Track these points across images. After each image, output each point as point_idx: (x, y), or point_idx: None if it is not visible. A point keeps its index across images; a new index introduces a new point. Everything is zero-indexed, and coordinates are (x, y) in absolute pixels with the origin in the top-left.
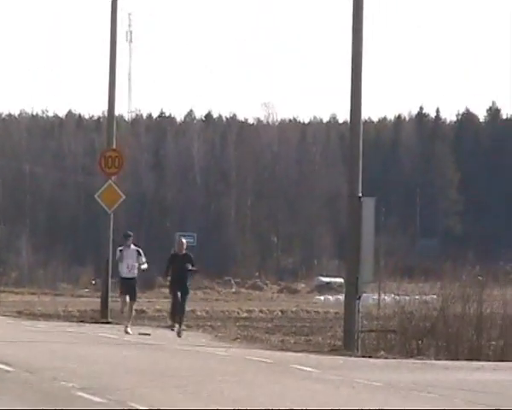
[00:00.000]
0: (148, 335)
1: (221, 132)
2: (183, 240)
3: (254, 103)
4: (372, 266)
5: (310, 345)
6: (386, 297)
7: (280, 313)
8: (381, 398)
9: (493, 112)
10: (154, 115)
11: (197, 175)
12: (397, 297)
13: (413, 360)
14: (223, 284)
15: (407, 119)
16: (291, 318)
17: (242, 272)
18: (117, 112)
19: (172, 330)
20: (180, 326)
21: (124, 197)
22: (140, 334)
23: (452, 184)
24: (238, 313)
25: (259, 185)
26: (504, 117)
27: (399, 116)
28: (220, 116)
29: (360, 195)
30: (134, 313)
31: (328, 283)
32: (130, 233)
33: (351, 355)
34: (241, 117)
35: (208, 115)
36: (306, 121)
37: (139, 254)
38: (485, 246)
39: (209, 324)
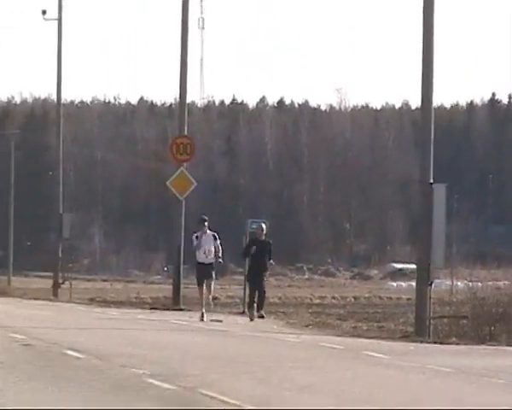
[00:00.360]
0: (220, 321)
1: (293, 119)
2: (263, 225)
3: (327, 89)
4: (443, 252)
5: (382, 331)
6: (458, 283)
7: (352, 300)
8: (451, 384)
9: None
10: (227, 102)
11: (269, 161)
12: (469, 283)
13: (484, 346)
14: (295, 270)
15: (479, 105)
16: (363, 304)
17: (315, 258)
18: (189, 99)
19: (252, 320)
20: (261, 310)
21: (195, 184)
22: (212, 320)
23: None
24: (311, 299)
25: (332, 172)
26: None
27: (472, 102)
28: (292, 102)
29: (431, 181)
30: (211, 299)
31: (400, 269)
32: (206, 218)
33: (422, 341)
34: (313, 103)
35: (281, 102)
36: (379, 107)
37: (215, 238)
38: None
39: (281, 310)
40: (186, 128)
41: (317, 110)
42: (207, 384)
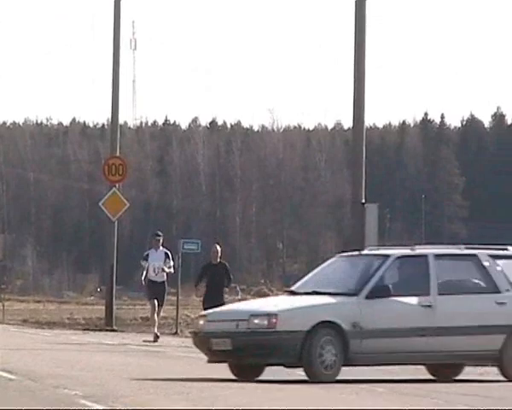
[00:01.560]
0: (154, 342)
1: (226, 139)
2: (218, 247)
3: (259, 110)
4: None
5: None
6: None
7: None
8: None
9: (498, 117)
10: (159, 122)
11: (202, 182)
12: None
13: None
14: (228, 291)
15: (412, 124)
16: None
17: (248, 278)
18: (121, 119)
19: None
20: None
21: (128, 205)
22: (144, 341)
23: (457, 190)
24: None
25: (264, 192)
26: (510, 122)
27: (404, 122)
28: (225, 123)
29: (363, 201)
30: (160, 315)
31: None
32: (160, 233)
33: None
34: (245, 124)
35: (213, 122)
36: (311, 128)
37: (167, 256)
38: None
39: None
40: (118, 149)
41: (249, 130)
42: (139, 405)
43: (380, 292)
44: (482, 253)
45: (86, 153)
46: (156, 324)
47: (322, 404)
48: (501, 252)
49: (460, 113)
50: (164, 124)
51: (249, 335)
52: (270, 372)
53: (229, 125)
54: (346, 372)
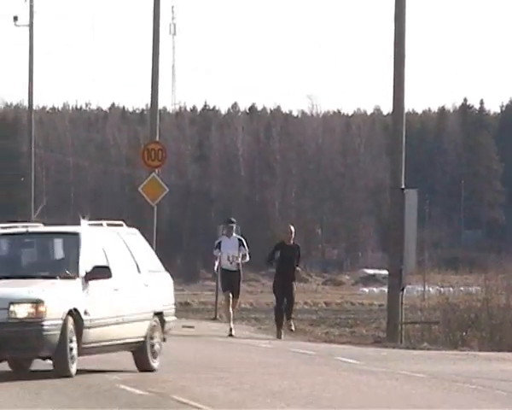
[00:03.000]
0: (192, 327)
1: (265, 124)
2: (292, 228)
3: (298, 95)
4: (415, 257)
5: (354, 337)
6: (430, 289)
7: (324, 305)
8: (424, 389)
9: None
10: (199, 108)
11: (241, 167)
12: (441, 289)
13: (456, 352)
14: (267, 275)
15: (451, 110)
16: (335, 310)
17: None
18: (161, 105)
19: (280, 338)
20: (290, 319)
21: (167, 190)
22: (183, 326)
23: (497, 175)
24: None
25: (304, 177)
26: None
27: (443, 107)
28: (264, 108)
29: (403, 186)
30: (236, 308)
31: (372, 275)
32: (233, 220)
33: (394, 347)
34: (285, 109)
35: (252, 107)
36: (350, 113)
37: (241, 243)
38: None
39: (253, 316)
40: (158, 134)
41: (288, 116)
42: (180, 390)
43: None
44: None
45: (125, 138)
46: (231, 317)
47: (362, 390)
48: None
49: (500, 98)
50: (203, 109)
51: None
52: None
53: (268, 111)
54: (387, 357)
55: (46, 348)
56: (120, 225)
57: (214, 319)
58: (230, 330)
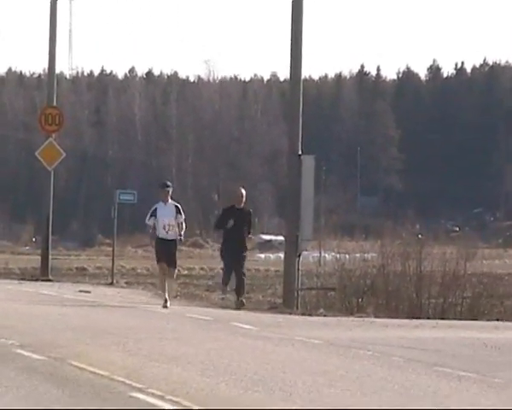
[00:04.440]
0: (89, 292)
1: (162, 90)
2: (243, 190)
3: (195, 61)
4: (312, 224)
5: (250, 303)
6: (326, 255)
7: (220, 271)
8: (320, 355)
9: (434, 70)
10: (96, 73)
11: (138, 132)
12: (337, 255)
13: (352, 318)
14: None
15: (348, 77)
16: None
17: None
18: (58, 69)
19: (222, 298)
20: (241, 297)
21: (64, 155)
22: (80, 291)
23: (393, 142)
24: (179, 270)
25: (200, 143)
26: (445, 75)
27: (340, 74)
28: (161, 73)
29: (300, 153)
30: (176, 285)
31: (269, 241)
32: (169, 183)
33: (290, 313)
34: (182, 74)
35: (149, 73)
36: (247, 79)
37: (178, 211)
38: (426, 204)
39: (149, 281)
40: (55, 99)
41: (185, 81)
42: (77, 355)
43: None
44: None
45: (22, 102)
46: (166, 289)
47: (258, 356)
48: None
49: (396, 65)
50: (100, 74)
51: None
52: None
53: (165, 76)
54: (283, 323)
55: None
56: None
57: (111, 284)
58: (165, 301)
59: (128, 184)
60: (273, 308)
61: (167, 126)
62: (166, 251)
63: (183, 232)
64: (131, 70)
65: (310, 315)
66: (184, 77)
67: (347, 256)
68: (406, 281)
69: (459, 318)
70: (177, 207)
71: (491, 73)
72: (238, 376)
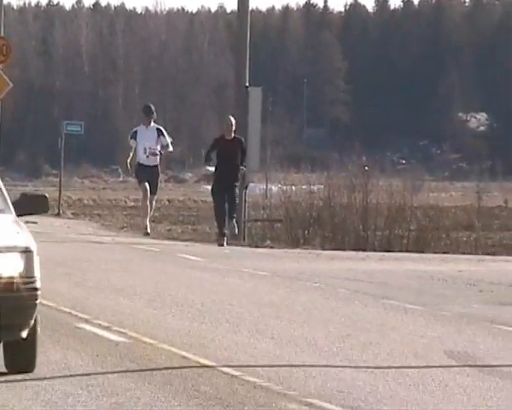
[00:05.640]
0: (35, 223)
1: (109, 21)
2: (233, 120)
3: None
4: (258, 155)
5: (197, 234)
6: (273, 187)
7: (167, 202)
8: (266, 287)
9: (381, 3)
10: (43, 3)
11: (85, 63)
12: (283, 187)
13: (299, 250)
14: (110, 172)
15: (295, 8)
16: (178, 207)
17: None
18: (5, 0)
19: (221, 245)
20: (232, 220)
21: (11, 85)
22: (26, 222)
23: (339, 74)
24: (125, 201)
25: (147, 74)
26: (392, 8)
27: (287, 6)
28: (109, 5)
29: (247, 84)
30: (153, 207)
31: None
32: (152, 106)
33: (237, 245)
34: (129, 6)
35: (96, 4)
36: (194, 11)
37: (161, 133)
38: (372, 136)
39: (96, 212)
40: (2, 29)
41: (132, 12)
42: None
43: None
44: None
45: None
46: (148, 216)
47: (206, 287)
48: None
49: None
50: (47, 5)
51: None
52: None
53: (112, 7)
54: (230, 255)
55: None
56: None
57: (57, 214)
58: (146, 227)
59: (75, 115)
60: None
61: (114, 57)
62: (148, 176)
63: (169, 149)
64: (78, 1)
65: (257, 247)
66: (131, 8)
67: (294, 188)
68: (352, 213)
69: (405, 250)
70: (159, 129)
71: (438, 6)
72: (185, 307)
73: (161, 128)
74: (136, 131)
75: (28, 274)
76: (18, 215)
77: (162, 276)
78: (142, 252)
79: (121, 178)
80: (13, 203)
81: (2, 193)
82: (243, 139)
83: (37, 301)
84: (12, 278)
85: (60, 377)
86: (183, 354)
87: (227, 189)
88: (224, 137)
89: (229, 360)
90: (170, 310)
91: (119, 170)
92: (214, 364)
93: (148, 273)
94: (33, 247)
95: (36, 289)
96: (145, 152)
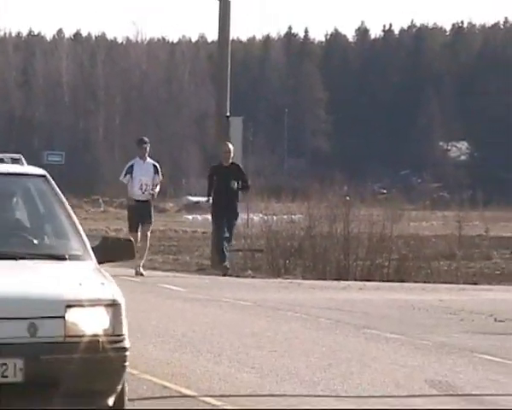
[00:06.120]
0: None
1: (90, 51)
2: (230, 146)
3: (123, 22)
4: None
5: (178, 264)
6: (254, 217)
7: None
8: (248, 317)
9: (362, 32)
10: (24, 33)
11: (65, 94)
12: (264, 217)
13: (280, 280)
14: (91, 202)
15: (276, 38)
16: (159, 237)
17: (111, 191)
18: None
19: (225, 275)
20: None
21: None
22: None
23: (321, 104)
24: (106, 231)
25: (128, 104)
26: (373, 37)
27: (268, 36)
28: (89, 34)
29: (228, 114)
30: (148, 245)
31: (196, 202)
32: (147, 140)
33: (218, 275)
34: (110, 35)
35: (77, 34)
36: (175, 40)
37: (157, 171)
38: (353, 166)
39: None
40: None
41: (113, 42)
42: None
43: None
44: None
45: None
46: (143, 260)
47: (186, 318)
48: None
49: (324, 27)
50: (28, 35)
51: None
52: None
53: (93, 37)
54: (211, 285)
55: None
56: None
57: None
58: (138, 266)
59: (55, 146)
60: (201, 270)
61: (95, 88)
62: (141, 213)
63: (157, 190)
64: (59, 31)
65: (237, 277)
66: (112, 38)
67: (275, 218)
68: (333, 243)
69: (386, 280)
70: (155, 166)
71: (418, 35)
72: (166, 338)
73: (157, 166)
74: (132, 166)
75: (115, 332)
76: (99, 262)
77: (143, 306)
78: (122, 281)
79: (102, 209)
80: (93, 249)
81: (81, 236)
82: (241, 165)
83: (126, 364)
84: (97, 336)
85: None
86: (165, 384)
87: (228, 212)
88: (222, 164)
89: (210, 389)
90: (151, 340)
91: (100, 200)
92: (196, 394)
93: (129, 304)
94: (121, 299)
95: (124, 348)
96: (141, 188)
